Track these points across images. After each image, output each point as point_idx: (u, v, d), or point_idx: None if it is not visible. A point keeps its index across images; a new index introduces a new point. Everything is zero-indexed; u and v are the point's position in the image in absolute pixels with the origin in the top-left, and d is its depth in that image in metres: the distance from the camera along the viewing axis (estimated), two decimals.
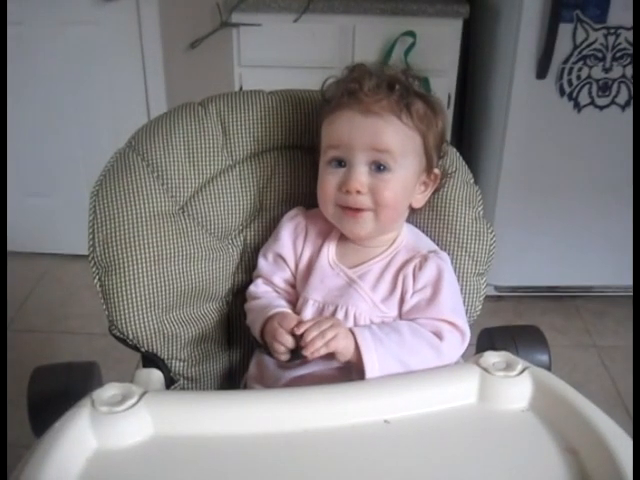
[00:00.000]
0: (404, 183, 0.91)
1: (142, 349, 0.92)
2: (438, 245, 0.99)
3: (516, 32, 1.91)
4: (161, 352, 0.93)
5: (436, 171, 0.97)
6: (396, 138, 0.88)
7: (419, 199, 0.97)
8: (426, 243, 0.98)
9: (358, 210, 0.89)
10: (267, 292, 0.97)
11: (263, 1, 2.09)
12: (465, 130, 2.40)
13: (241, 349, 1.06)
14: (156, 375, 0.92)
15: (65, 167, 2.38)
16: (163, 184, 0.95)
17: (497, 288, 2.25)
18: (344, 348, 0.82)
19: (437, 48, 2.12)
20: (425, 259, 0.92)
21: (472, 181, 1.04)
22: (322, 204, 0.93)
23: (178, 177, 0.96)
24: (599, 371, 2.01)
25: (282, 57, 2.16)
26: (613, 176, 2.07)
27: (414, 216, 1.00)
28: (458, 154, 1.04)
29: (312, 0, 2.08)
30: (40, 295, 2.34)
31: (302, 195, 1.04)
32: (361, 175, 0.88)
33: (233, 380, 1.04)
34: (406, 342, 0.85)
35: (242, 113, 1.00)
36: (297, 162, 1.04)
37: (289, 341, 0.83)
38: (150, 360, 0.93)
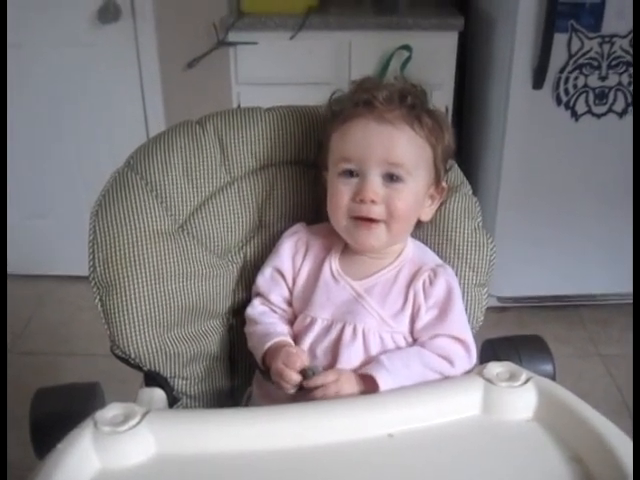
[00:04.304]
0: (416, 194, 0.91)
1: (144, 368, 0.92)
2: (440, 258, 0.99)
3: (511, 43, 1.91)
4: (163, 370, 0.93)
5: (444, 184, 0.97)
6: (409, 149, 0.89)
7: (427, 212, 0.97)
8: (432, 257, 0.98)
9: (371, 221, 0.89)
10: (264, 314, 0.96)
11: (259, 19, 2.11)
12: (463, 142, 2.39)
13: (243, 366, 1.05)
14: (159, 394, 0.91)
15: (63, 188, 2.38)
16: (162, 203, 0.95)
17: (500, 299, 2.24)
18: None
19: (433, 61, 2.13)
20: (435, 274, 0.92)
21: (470, 192, 1.04)
22: (334, 216, 0.93)
23: (177, 196, 0.96)
24: (605, 380, 2.00)
25: (279, 74, 2.17)
26: (613, 183, 2.07)
27: (415, 229, 0.99)
28: (456, 166, 1.04)
29: (308, 17, 2.09)
30: (42, 317, 2.33)
31: (302, 211, 1.04)
32: (375, 185, 0.89)
33: (235, 397, 1.03)
34: (416, 373, 0.85)
35: (240, 130, 1.00)
36: (297, 178, 1.04)
37: (297, 380, 0.84)
38: (152, 379, 0.93)
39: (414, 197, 0.91)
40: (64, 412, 0.82)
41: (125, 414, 0.74)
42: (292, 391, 0.85)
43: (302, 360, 0.85)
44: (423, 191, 0.93)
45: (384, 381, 0.82)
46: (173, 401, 0.95)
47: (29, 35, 2.15)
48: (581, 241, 2.16)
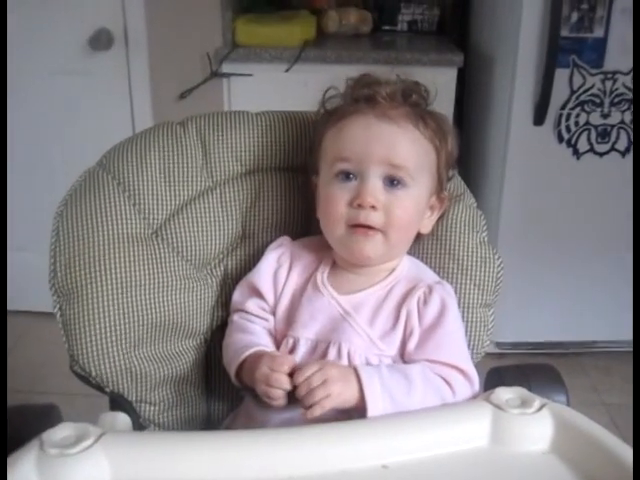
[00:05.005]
0: (417, 202, 0.84)
1: (106, 389, 0.83)
2: (440, 274, 0.91)
3: (512, 79, 1.88)
4: (128, 393, 0.83)
5: (445, 194, 0.90)
6: (414, 151, 0.82)
7: (426, 224, 0.90)
8: (429, 274, 0.89)
9: (369, 228, 0.81)
10: (243, 325, 0.87)
11: (254, 51, 2.07)
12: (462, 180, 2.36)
13: (221, 392, 0.95)
14: (123, 420, 0.81)
15: (45, 219, 2.29)
16: (135, 205, 0.88)
17: (498, 345, 2.15)
18: (341, 405, 0.73)
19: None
20: (430, 291, 0.84)
21: (475, 205, 0.97)
22: (328, 225, 0.85)
23: (152, 198, 0.88)
24: (610, 431, 1.88)
25: (274, 107, 2.10)
26: (616, 226, 2.00)
27: (413, 243, 0.92)
28: (460, 178, 0.98)
29: (304, 50, 2.05)
30: (20, 355, 2.23)
31: (291, 221, 0.96)
32: (376, 189, 0.81)
33: (212, 428, 0.93)
34: (417, 394, 0.75)
35: (225, 132, 0.93)
36: (285, 185, 0.96)
37: (288, 383, 0.74)
38: (117, 403, 0.83)
39: (416, 205, 0.84)
40: (13, 436, 0.71)
41: (78, 435, 0.64)
42: (282, 402, 0.74)
43: (290, 362, 0.75)
44: (425, 199, 0.86)
45: (371, 389, 0.72)
46: (139, 429, 0.84)
47: (20, 63, 2.10)
48: (582, 286, 2.09)
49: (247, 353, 0.80)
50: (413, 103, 0.84)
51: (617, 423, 1.93)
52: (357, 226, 0.82)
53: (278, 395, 0.74)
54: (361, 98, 0.83)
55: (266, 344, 0.83)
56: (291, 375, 0.74)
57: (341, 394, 0.72)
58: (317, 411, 0.71)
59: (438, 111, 0.88)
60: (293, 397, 0.74)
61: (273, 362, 0.75)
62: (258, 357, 0.78)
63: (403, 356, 0.82)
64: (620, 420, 1.94)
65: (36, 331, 2.34)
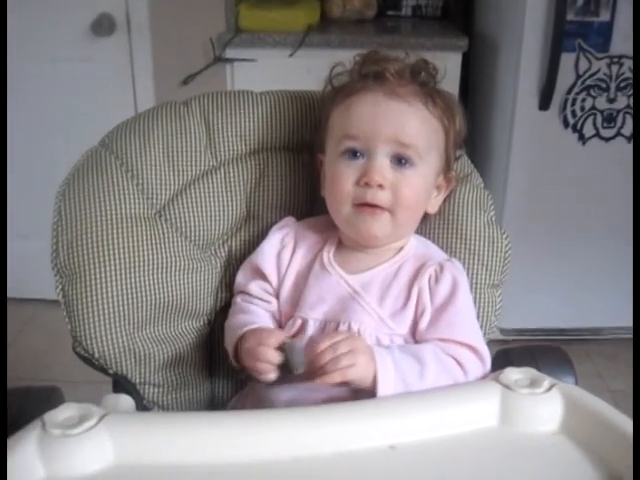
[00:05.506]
0: (425, 181, 0.83)
1: (110, 371, 0.82)
2: (448, 254, 0.90)
3: (517, 63, 1.86)
4: (132, 375, 0.83)
5: (452, 173, 0.89)
6: (422, 130, 0.81)
7: (433, 204, 0.89)
8: (437, 252, 0.88)
9: (376, 207, 0.80)
10: (245, 307, 0.86)
11: (258, 36, 2.05)
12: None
13: (225, 374, 0.94)
14: (126, 401, 0.80)
15: (48, 207, 2.28)
16: (138, 185, 0.87)
17: (502, 331, 2.13)
18: (361, 379, 0.72)
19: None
20: (441, 269, 0.83)
21: (482, 185, 0.95)
22: (334, 204, 0.84)
23: (155, 178, 0.87)
24: None
25: None
26: (622, 211, 1.99)
27: (420, 222, 0.91)
28: (467, 157, 0.97)
29: (308, 34, 2.03)
30: (24, 343, 2.23)
31: (296, 201, 0.95)
32: (383, 167, 0.80)
33: (216, 409, 0.92)
34: (429, 377, 0.74)
35: (229, 111, 0.92)
36: (290, 164, 0.95)
37: (274, 357, 0.73)
38: (121, 385, 0.82)
39: (424, 185, 0.83)
40: (14, 416, 0.71)
41: (81, 415, 0.64)
42: (272, 376, 0.73)
43: (277, 336, 0.74)
44: (433, 179, 0.85)
45: (384, 370, 0.71)
46: (143, 411, 0.84)
47: (22, 49, 2.09)
48: (588, 272, 2.07)
49: (243, 331, 0.79)
50: (422, 81, 0.83)
51: (622, 409, 1.91)
52: (364, 205, 0.80)
53: (264, 369, 0.73)
54: (369, 74, 0.82)
55: (265, 324, 0.82)
56: (281, 349, 0.72)
57: (365, 367, 0.71)
58: (337, 378, 0.69)
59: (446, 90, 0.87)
60: (298, 376, 0.73)
61: (261, 336, 0.74)
62: (251, 334, 0.77)
63: (414, 335, 0.81)
64: (625, 407, 1.91)
65: (39, 319, 2.34)
